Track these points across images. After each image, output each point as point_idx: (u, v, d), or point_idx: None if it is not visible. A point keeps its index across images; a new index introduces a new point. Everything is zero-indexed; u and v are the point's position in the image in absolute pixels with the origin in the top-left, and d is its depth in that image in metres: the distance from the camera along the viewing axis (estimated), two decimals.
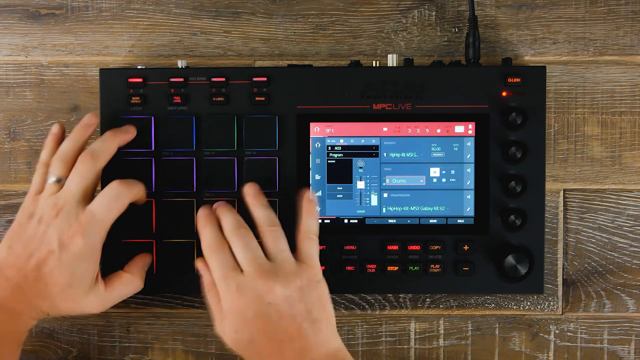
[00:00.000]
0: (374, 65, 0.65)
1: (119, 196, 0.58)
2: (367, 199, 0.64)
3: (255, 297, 0.55)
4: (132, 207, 0.63)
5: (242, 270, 0.56)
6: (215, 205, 0.60)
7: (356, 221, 0.64)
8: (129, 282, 0.61)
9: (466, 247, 0.64)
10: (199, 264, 0.60)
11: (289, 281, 0.55)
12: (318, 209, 0.60)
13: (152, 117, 0.63)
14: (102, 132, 0.63)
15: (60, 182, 0.58)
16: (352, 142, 0.64)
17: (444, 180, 0.64)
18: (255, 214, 0.59)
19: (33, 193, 0.59)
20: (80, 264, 0.56)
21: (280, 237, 0.58)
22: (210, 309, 0.59)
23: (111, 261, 0.63)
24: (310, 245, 0.58)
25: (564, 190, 0.68)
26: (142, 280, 0.62)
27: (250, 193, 0.60)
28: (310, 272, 0.57)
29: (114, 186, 0.58)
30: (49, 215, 0.57)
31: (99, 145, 0.59)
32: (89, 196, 0.59)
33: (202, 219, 0.59)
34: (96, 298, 0.59)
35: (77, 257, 0.56)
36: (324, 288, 0.57)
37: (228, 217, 0.59)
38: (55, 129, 0.61)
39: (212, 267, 0.57)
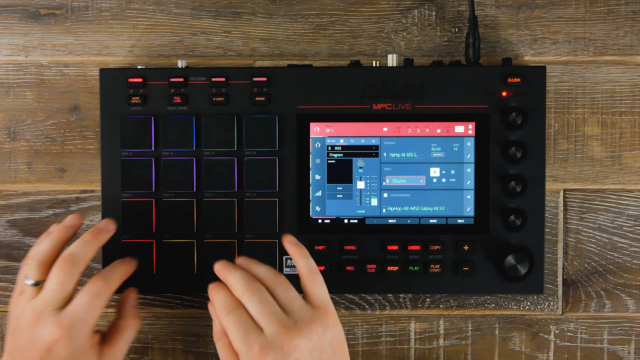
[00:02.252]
0: (374, 65, 0.65)
1: (99, 294, 0.56)
2: (367, 199, 0.64)
3: (282, 356, 0.52)
4: (133, 207, 0.63)
5: (261, 328, 0.53)
6: (217, 268, 0.58)
7: (356, 221, 0.64)
8: (126, 329, 0.60)
9: (466, 247, 0.64)
10: (211, 310, 0.58)
11: (310, 331, 0.53)
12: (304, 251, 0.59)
13: (152, 117, 0.63)
14: (102, 131, 0.64)
15: (38, 285, 0.56)
16: (352, 142, 0.64)
17: (444, 180, 0.64)
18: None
19: (18, 292, 0.57)
20: None
21: (289, 285, 0.56)
22: (224, 358, 0.56)
23: (111, 261, 0.63)
24: (319, 286, 0.56)
25: (564, 190, 0.68)
26: (137, 317, 0.61)
27: (292, 242, 0.59)
28: (327, 316, 0.55)
29: (93, 285, 0.56)
30: (30, 321, 0.55)
31: (79, 249, 0.57)
32: (70, 296, 0.56)
33: (213, 286, 0.57)
34: None
35: (68, 359, 0.55)
36: (340, 330, 0.56)
37: (236, 275, 0.56)
38: (53, 228, 0.60)
39: (229, 329, 0.54)
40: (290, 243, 0.59)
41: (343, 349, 0.55)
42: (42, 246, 0.57)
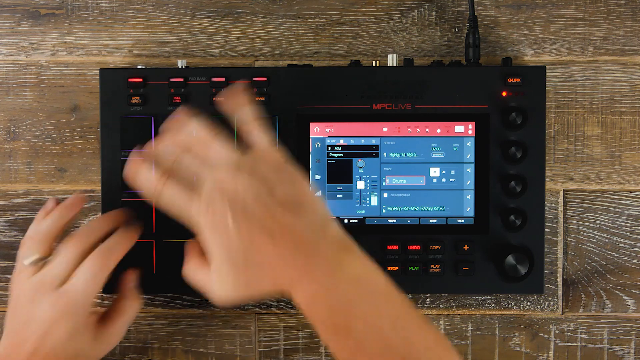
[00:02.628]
0: (374, 65, 0.65)
1: (96, 274, 0.55)
2: (367, 199, 0.64)
3: (228, 200, 0.47)
4: (133, 206, 0.63)
5: (199, 187, 0.49)
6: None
7: (356, 221, 0.64)
8: (126, 310, 0.59)
9: (466, 247, 0.64)
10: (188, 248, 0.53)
11: (253, 172, 0.48)
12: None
13: (152, 117, 0.63)
14: (102, 131, 0.64)
15: (40, 262, 0.56)
16: (352, 142, 0.64)
17: (444, 180, 0.64)
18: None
19: (17, 272, 0.57)
20: (73, 341, 0.55)
21: (223, 141, 0.51)
22: (198, 280, 0.51)
23: None
24: (256, 133, 0.51)
25: (564, 190, 0.68)
26: (137, 298, 0.61)
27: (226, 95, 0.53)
28: (271, 156, 0.50)
29: (90, 263, 0.55)
30: (29, 298, 0.55)
31: (93, 226, 0.57)
32: (71, 273, 0.56)
33: (129, 170, 0.52)
34: (102, 343, 0.57)
35: (65, 338, 0.54)
36: (291, 167, 0.50)
37: (160, 146, 0.52)
38: (50, 203, 0.60)
39: (167, 205, 0.50)
40: (227, 101, 0.53)
41: (297, 185, 0.49)
42: (44, 224, 0.57)
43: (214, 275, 0.49)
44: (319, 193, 0.50)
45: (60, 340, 0.54)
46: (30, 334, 0.54)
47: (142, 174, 0.51)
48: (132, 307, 0.60)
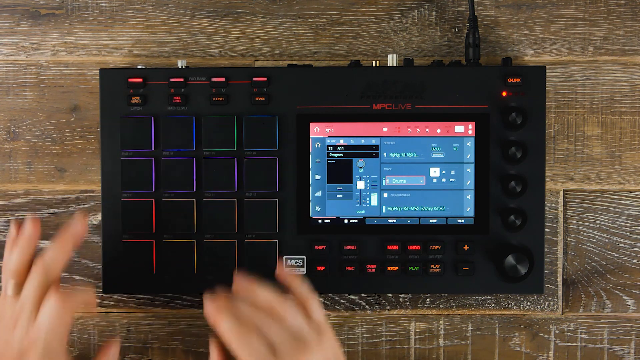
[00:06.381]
0: (374, 65, 0.65)
1: (59, 314, 0.55)
2: (367, 199, 0.64)
3: None
4: (133, 207, 0.63)
5: (274, 351, 0.54)
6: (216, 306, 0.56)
7: (356, 221, 0.64)
8: None
9: (466, 247, 0.64)
10: (212, 347, 0.58)
11: (319, 348, 0.55)
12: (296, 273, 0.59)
13: (152, 117, 0.63)
14: (102, 131, 0.64)
15: (17, 292, 0.56)
16: (352, 142, 0.64)
17: (444, 180, 0.64)
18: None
19: (2, 294, 0.58)
20: None
21: (296, 310, 0.56)
22: None
23: (111, 261, 0.63)
24: (318, 308, 0.57)
25: (564, 190, 0.68)
26: None
27: (286, 272, 0.59)
28: (328, 334, 0.56)
29: (50, 304, 0.55)
30: (9, 325, 0.55)
31: (50, 255, 0.57)
32: (40, 303, 0.56)
33: (214, 309, 0.55)
34: None
35: None
36: (339, 346, 0.57)
37: (242, 305, 0.56)
38: (12, 229, 0.59)
39: (242, 355, 0.54)
40: (284, 274, 0.59)
41: None
42: (12, 258, 0.57)
43: None
44: None
45: None
46: (9, 356, 0.55)
47: (227, 317, 0.54)
48: None
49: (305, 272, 0.64)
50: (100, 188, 0.65)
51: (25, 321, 0.55)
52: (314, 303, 0.57)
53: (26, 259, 0.57)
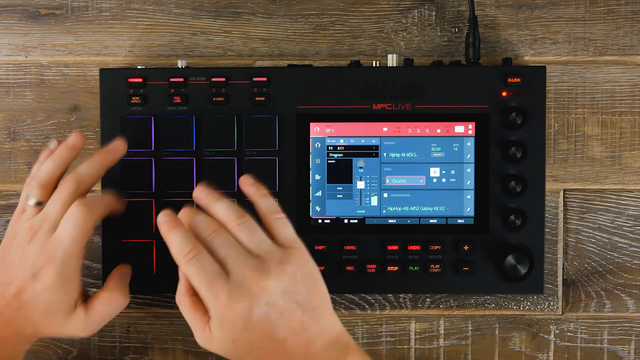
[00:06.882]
0: (374, 65, 0.65)
1: (82, 222, 0.54)
2: (367, 199, 0.64)
3: (251, 301, 0.50)
4: (133, 206, 0.63)
5: (227, 273, 0.51)
6: (165, 214, 0.54)
7: (356, 221, 0.64)
8: (109, 301, 0.57)
9: (466, 247, 0.64)
10: (181, 274, 0.54)
11: (280, 272, 0.50)
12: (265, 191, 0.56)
13: (152, 117, 0.63)
14: (102, 131, 0.64)
15: (40, 205, 0.55)
16: (352, 142, 0.64)
17: (444, 180, 0.64)
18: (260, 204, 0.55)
19: (19, 211, 0.56)
20: (55, 294, 0.54)
21: (255, 226, 0.53)
22: (189, 319, 0.53)
23: (111, 261, 0.63)
24: (282, 225, 0.54)
25: (564, 190, 0.68)
26: (125, 294, 0.58)
27: (249, 182, 0.56)
28: (297, 255, 0.52)
29: (74, 212, 0.54)
30: (24, 240, 0.54)
31: (84, 168, 0.56)
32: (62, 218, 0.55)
33: (167, 227, 0.52)
34: (78, 324, 0.55)
35: (49, 287, 0.53)
36: (314, 268, 0.53)
37: (197, 218, 0.53)
38: (53, 144, 0.59)
39: (192, 277, 0.51)
40: (247, 185, 0.56)
41: (317, 286, 0.52)
42: (44, 167, 0.56)
43: (208, 334, 0.51)
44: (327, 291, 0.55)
45: (44, 287, 0.53)
46: (18, 274, 0.53)
47: (177, 234, 0.52)
48: (114, 301, 0.57)
49: None
50: (100, 188, 0.65)
51: (44, 234, 0.53)
52: (281, 220, 0.54)
53: (60, 170, 0.56)
